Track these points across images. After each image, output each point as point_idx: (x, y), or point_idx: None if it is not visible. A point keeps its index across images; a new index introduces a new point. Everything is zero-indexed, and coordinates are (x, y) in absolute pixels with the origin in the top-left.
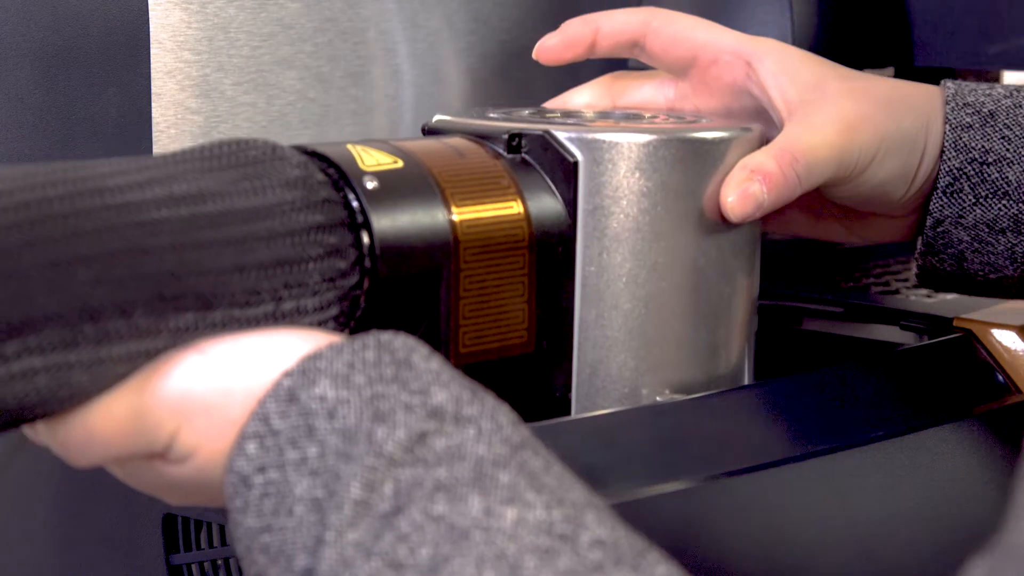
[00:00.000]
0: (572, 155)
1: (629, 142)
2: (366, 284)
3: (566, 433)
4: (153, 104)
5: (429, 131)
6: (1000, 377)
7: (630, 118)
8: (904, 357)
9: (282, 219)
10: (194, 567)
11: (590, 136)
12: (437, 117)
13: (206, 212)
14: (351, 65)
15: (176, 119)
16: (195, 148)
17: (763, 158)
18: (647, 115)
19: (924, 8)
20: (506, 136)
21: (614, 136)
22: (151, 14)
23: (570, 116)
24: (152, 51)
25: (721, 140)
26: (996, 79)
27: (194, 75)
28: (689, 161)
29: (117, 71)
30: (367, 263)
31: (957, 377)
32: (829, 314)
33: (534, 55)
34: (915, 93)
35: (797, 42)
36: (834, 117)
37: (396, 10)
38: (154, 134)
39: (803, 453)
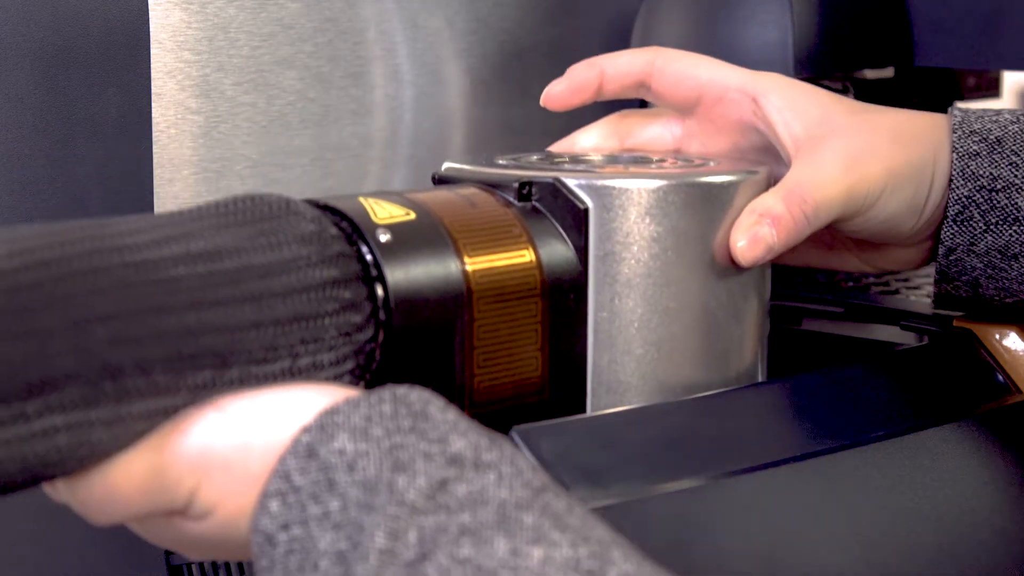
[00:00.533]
0: (582, 202)
1: (639, 188)
2: (381, 337)
3: (566, 433)
4: (153, 104)
5: (439, 180)
6: (1000, 377)
7: (638, 162)
8: (904, 357)
9: (298, 275)
10: (194, 567)
11: (599, 183)
12: (447, 165)
13: (223, 269)
14: (351, 65)
15: (176, 119)
16: (211, 204)
17: (771, 201)
18: (655, 158)
19: (924, 8)
20: (516, 184)
21: (623, 182)
22: (151, 14)
23: (578, 162)
24: (152, 51)
25: (729, 184)
26: (996, 79)
27: (194, 75)
28: (698, 206)
29: (117, 71)
30: (382, 316)
31: (957, 377)
32: (829, 314)
33: (542, 102)
34: (921, 124)
35: (797, 42)
36: (841, 153)
37: (396, 10)
38: (154, 134)
39: (803, 453)
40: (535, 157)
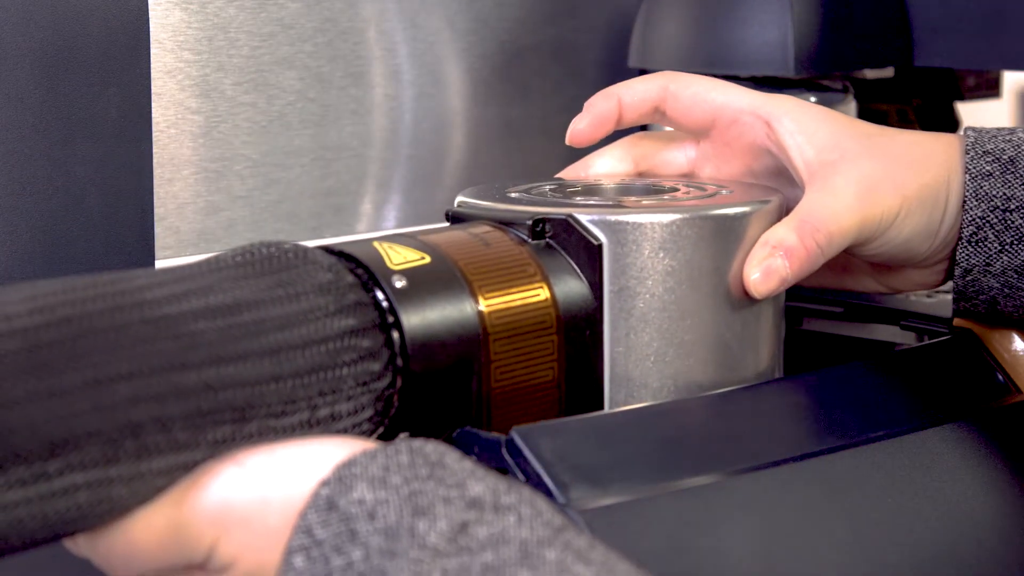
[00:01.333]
0: (596, 238)
1: (652, 222)
2: (399, 383)
3: (567, 433)
4: (153, 104)
5: (453, 216)
6: (1000, 377)
7: (650, 192)
8: (904, 357)
9: (316, 325)
10: None
11: (613, 218)
12: (460, 199)
13: (242, 322)
14: (351, 65)
15: (176, 119)
16: (228, 255)
17: (784, 232)
18: (667, 186)
19: (924, 8)
20: (530, 222)
21: (637, 217)
22: (151, 14)
23: (591, 193)
24: (152, 51)
25: (743, 215)
26: (996, 79)
27: (194, 75)
28: (712, 238)
29: (117, 71)
30: (399, 362)
31: (957, 377)
32: (829, 314)
33: (568, 141)
34: (935, 146)
35: (797, 42)
36: (854, 179)
37: (396, 10)
38: (154, 134)
39: (803, 453)
40: (547, 188)
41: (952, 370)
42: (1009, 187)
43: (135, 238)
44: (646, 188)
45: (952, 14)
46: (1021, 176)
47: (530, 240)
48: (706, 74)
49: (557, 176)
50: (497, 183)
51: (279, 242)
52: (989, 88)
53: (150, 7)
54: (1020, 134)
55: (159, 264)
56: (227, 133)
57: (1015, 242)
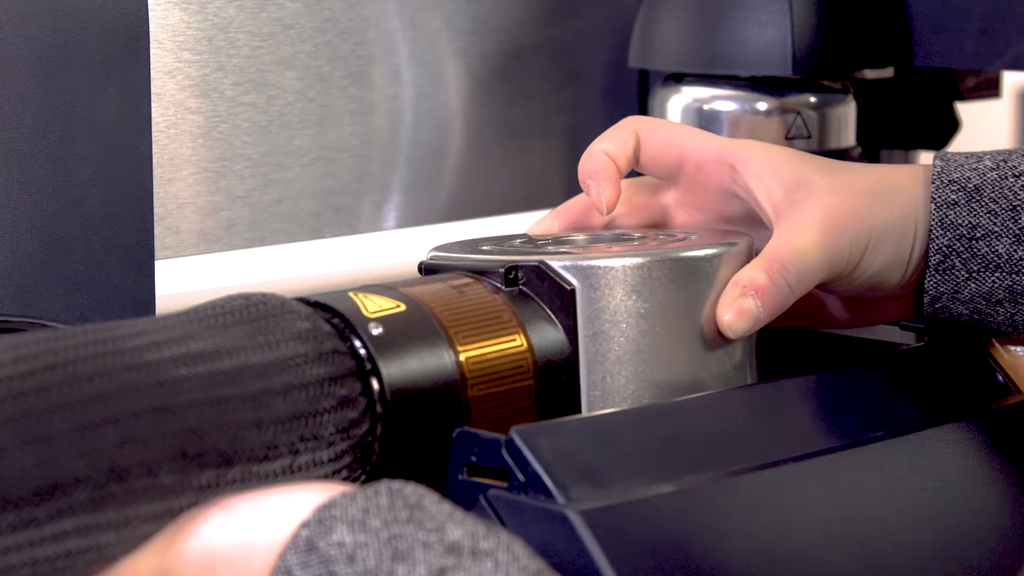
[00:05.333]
0: (568, 283)
1: (623, 265)
2: (379, 430)
3: (567, 433)
4: (153, 104)
5: (426, 269)
6: (1000, 377)
7: (620, 240)
8: (904, 357)
9: (296, 372)
10: None
11: (584, 263)
12: (432, 253)
13: (223, 369)
14: (351, 65)
15: (176, 119)
16: (208, 305)
17: (753, 272)
18: (636, 235)
19: (924, 8)
20: (503, 270)
21: (608, 261)
22: (151, 14)
23: (561, 243)
24: (152, 51)
25: (712, 256)
26: (996, 79)
27: (194, 75)
28: (683, 280)
29: (117, 71)
30: (378, 409)
31: (957, 377)
32: None
33: (605, 212)
34: (901, 178)
35: (797, 42)
36: (820, 217)
37: (396, 10)
38: (154, 134)
39: (803, 453)
40: (518, 241)
41: (952, 370)
42: (974, 215)
43: (135, 238)
44: (616, 236)
45: (952, 14)
46: (986, 204)
47: (504, 288)
48: (706, 74)
49: (526, 232)
50: (468, 239)
51: (256, 293)
52: (989, 88)
53: (150, 7)
54: (987, 161)
55: (159, 264)
56: (227, 133)
57: (982, 270)
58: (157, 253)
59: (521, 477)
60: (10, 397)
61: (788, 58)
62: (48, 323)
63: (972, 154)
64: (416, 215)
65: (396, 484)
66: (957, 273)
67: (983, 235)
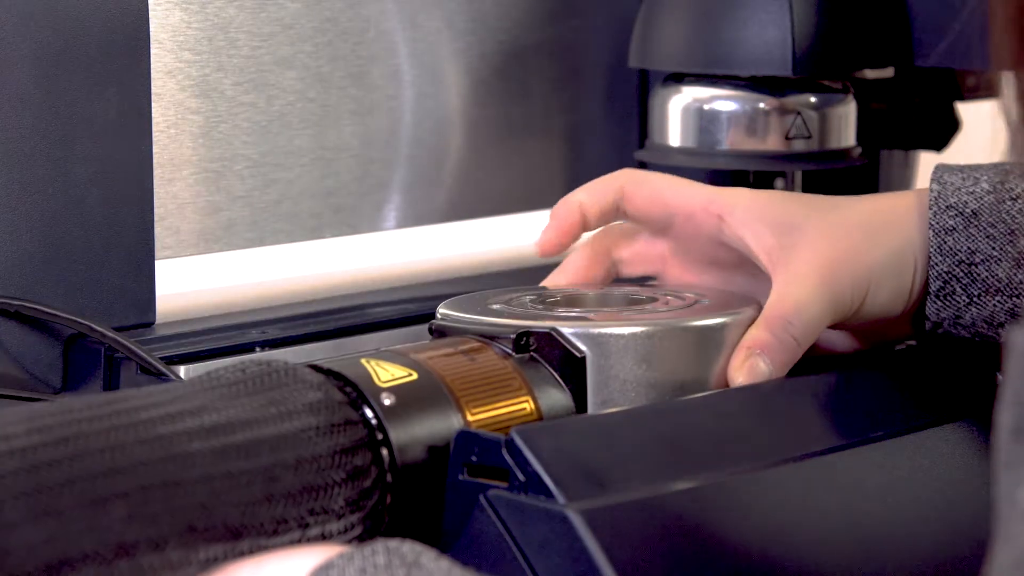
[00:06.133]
0: (579, 350)
1: (634, 333)
2: (388, 500)
3: (566, 433)
4: (153, 104)
5: (437, 330)
6: (1000, 377)
7: (632, 303)
8: (904, 357)
9: (308, 445)
10: None
11: (595, 331)
12: (441, 311)
13: (235, 443)
14: (351, 65)
15: (176, 119)
16: (221, 373)
17: (758, 332)
18: (645, 296)
19: (924, 8)
20: (514, 336)
21: (619, 329)
22: (151, 14)
23: (573, 303)
24: (152, 51)
25: (723, 325)
26: (996, 79)
27: (194, 75)
28: (694, 348)
29: (117, 71)
30: (388, 478)
31: (957, 377)
32: None
33: (539, 253)
34: (896, 208)
35: (797, 42)
36: (818, 262)
37: (396, 10)
38: (154, 134)
39: (803, 453)
40: (528, 299)
41: (952, 370)
42: (973, 240)
43: (135, 238)
44: (626, 296)
45: (952, 14)
46: (984, 229)
47: (514, 354)
48: (706, 74)
49: (540, 284)
50: (476, 293)
51: (269, 360)
52: (989, 88)
53: (150, 7)
54: (984, 184)
55: (159, 264)
56: (227, 133)
57: (983, 294)
58: (157, 253)
59: (521, 477)
60: (23, 470)
61: (788, 58)
62: (47, 309)
63: (969, 173)
64: (416, 215)
65: (393, 543)
66: (958, 298)
67: (982, 260)
